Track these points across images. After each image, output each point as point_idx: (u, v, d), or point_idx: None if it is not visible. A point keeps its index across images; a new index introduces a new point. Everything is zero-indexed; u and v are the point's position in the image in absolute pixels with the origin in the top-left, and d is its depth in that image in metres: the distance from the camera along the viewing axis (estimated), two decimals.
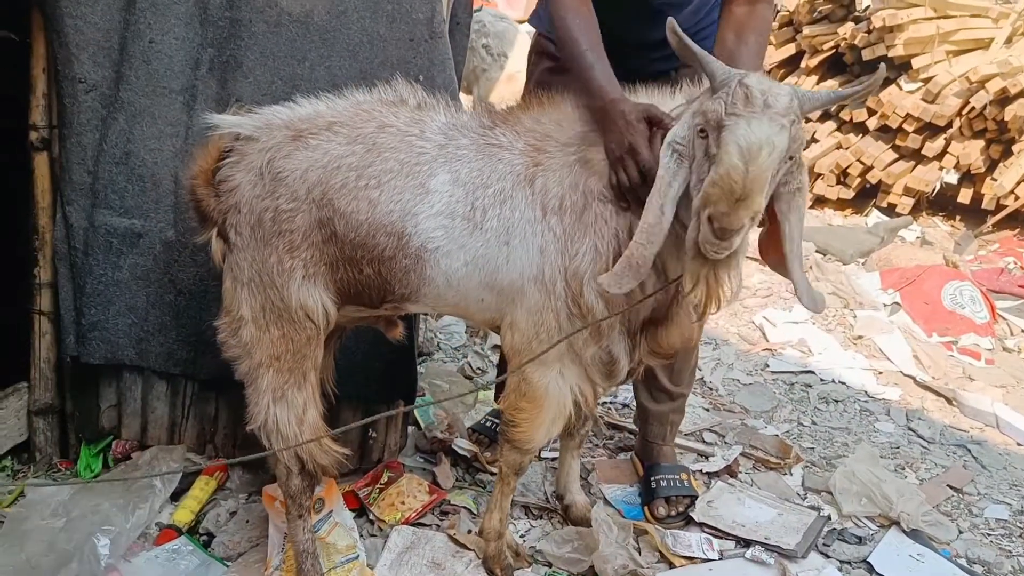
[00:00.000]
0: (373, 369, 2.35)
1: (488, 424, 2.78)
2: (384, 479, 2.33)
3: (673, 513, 2.45)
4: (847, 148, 5.55)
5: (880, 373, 3.42)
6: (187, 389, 2.42)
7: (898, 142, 5.33)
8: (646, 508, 2.50)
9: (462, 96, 6.80)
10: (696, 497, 2.50)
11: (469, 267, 1.84)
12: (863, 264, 4.50)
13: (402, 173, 1.83)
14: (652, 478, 2.54)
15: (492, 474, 2.53)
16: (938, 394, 3.26)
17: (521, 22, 9.91)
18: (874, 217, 5.43)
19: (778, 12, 6.01)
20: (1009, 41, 5.75)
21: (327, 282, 1.89)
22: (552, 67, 2.34)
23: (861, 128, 5.58)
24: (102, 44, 2.25)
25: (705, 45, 2.12)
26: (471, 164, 1.83)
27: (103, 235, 2.28)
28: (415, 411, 2.63)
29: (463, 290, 1.88)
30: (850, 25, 5.63)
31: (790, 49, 6.14)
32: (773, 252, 1.72)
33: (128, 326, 2.33)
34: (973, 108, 5.00)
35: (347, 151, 1.85)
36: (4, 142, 2.41)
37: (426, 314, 3.02)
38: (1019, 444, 2.96)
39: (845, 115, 5.67)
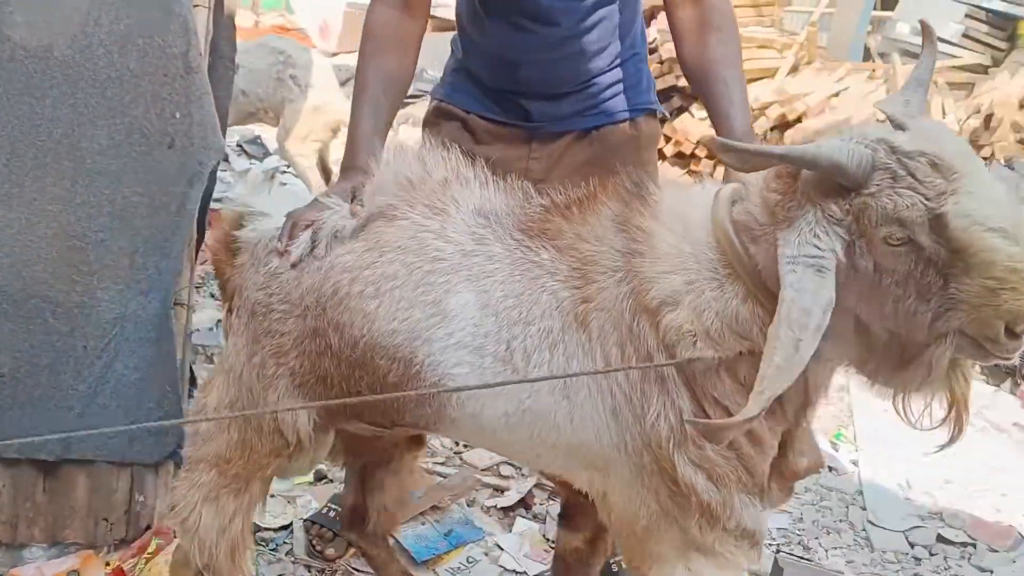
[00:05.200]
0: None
1: (330, 513, 2.56)
2: (152, 547, 2.16)
3: None
4: None
5: None
6: None
7: (692, 167, 5.61)
8: None
9: (266, 128, 6.59)
10: None
11: (513, 419, 1.47)
12: None
13: (410, 282, 1.47)
14: None
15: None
16: None
17: (334, 55, 9.88)
18: None
19: None
20: (795, 70, 6.20)
21: (315, 398, 1.60)
22: (460, 128, 2.07)
23: (659, 155, 5.82)
24: None
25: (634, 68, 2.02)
26: (506, 287, 1.45)
27: None
28: None
29: (506, 441, 1.55)
30: None
31: None
32: None
33: None
34: (757, 134, 5.31)
35: (344, 249, 1.53)
36: None
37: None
38: None
39: None
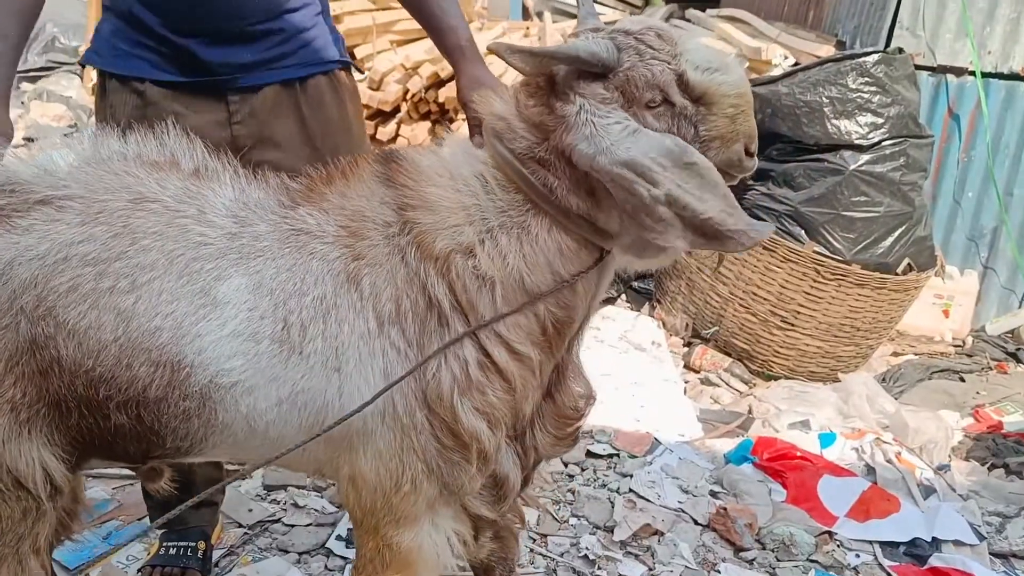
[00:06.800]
0: None
1: (169, 551, 2.30)
2: None
3: None
4: None
5: None
6: None
7: None
8: None
9: None
10: None
11: (286, 406, 1.37)
12: None
13: (172, 272, 1.33)
14: None
15: None
16: None
17: None
18: None
19: None
20: None
21: (52, 431, 1.36)
22: (148, 111, 1.88)
23: None
24: None
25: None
26: (277, 262, 1.37)
27: None
28: None
29: (275, 437, 1.40)
30: None
31: None
32: None
33: None
34: (414, 93, 5.41)
35: (80, 235, 1.32)
36: None
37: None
38: None
39: None
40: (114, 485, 2.69)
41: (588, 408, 1.63)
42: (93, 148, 1.42)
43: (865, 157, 3.78)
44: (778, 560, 2.63)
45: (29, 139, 5.73)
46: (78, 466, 1.46)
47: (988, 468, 3.31)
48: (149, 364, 1.33)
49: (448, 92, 5.22)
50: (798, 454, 3.12)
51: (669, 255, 1.47)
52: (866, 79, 3.78)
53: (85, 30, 6.94)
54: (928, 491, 3.07)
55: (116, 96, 1.91)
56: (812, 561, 2.65)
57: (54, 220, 1.34)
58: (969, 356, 4.42)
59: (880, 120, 3.79)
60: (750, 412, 3.61)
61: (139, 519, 2.59)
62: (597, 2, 7.77)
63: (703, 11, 6.72)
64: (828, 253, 3.78)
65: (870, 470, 3.17)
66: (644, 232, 1.35)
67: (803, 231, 3.82)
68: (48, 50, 6.99)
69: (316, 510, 2.64)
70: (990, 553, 2.77)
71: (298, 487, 2.71)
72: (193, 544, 2.32)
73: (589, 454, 3.14)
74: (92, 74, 6.80)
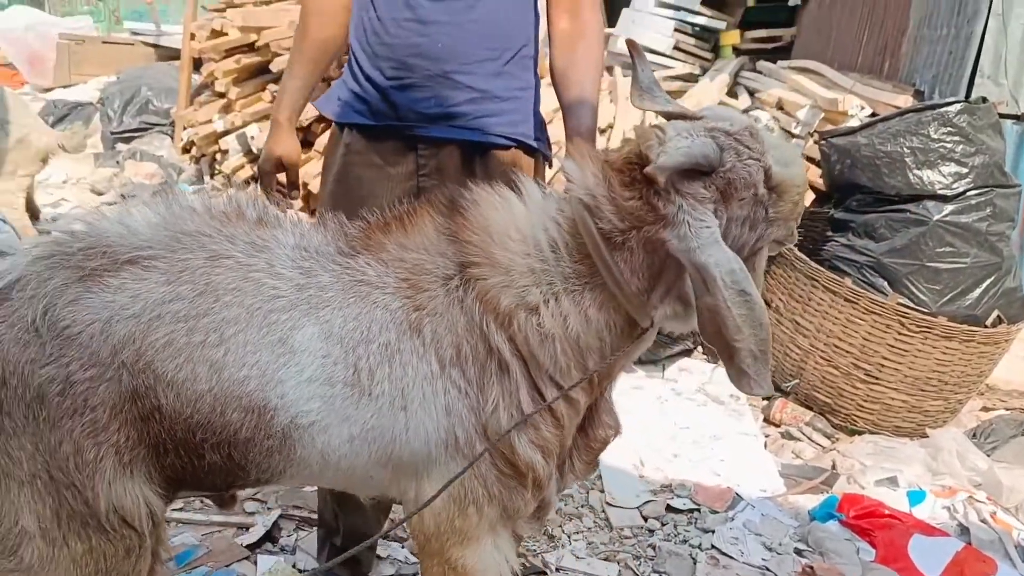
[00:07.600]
0: None
1: None
2: None
3: None
4: None
5: None
6: None
7: None
8: None
9: None
10: None
11: (357, 442, 1.50)
12: None
13: (252, 324, 1.44)
14: None
15: None
16: None
17: (47, 90, 9.15)
18: None
19: None
20: None
21: (151, 470, 1.47)
22: (351, 158, 2.08)
23: None
24: None
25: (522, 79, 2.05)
26: (344, 312, 1.48)
27: None
28: None
29: (345, 468, 1.53)
30: None
31: None
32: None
33: None
34: None
35: (169, 293, 1.43)
36: None
37: None
38: None
39: None
40: (203, 531, 2.76)
41: (612, 439, 1.73)
42: (167, 206, 1.52)
43: (949, 207, 3.71)
44: None
45: (125, 196, 6.00)
46: (170, 499, 1.57)
47: None
48: (240, 410, 1.45)
49: None
50: (887, 512, 3.03)
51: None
52: (948, 129, 3.73)
53: (177, 94, 7.29)
54: None
55: (331, 143, 2.13)
56: None
57: (142, 279, 1.44)
58: None
59: (964, 170, 3.73)
60: (834, 467, 3.52)
61: (227, 565, 2.65)
62: (668, 56, 7.83)
63: (774, 63, 6.70)
64: (913, 305, 3.70)
65: (963, 530, 3.06)
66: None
67: (886, 283, 3.76)
68: (142, 112, 7.35)
69: (400, 560, 2.66)
70: None
71: (382, 537, 2.74)
72: None
73: (669, 508, 3.10)
74: (183, 134, 7.12)
